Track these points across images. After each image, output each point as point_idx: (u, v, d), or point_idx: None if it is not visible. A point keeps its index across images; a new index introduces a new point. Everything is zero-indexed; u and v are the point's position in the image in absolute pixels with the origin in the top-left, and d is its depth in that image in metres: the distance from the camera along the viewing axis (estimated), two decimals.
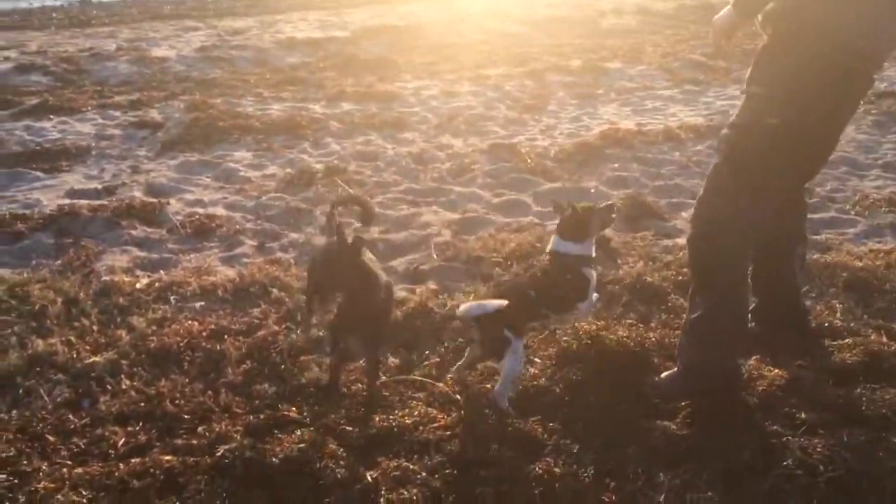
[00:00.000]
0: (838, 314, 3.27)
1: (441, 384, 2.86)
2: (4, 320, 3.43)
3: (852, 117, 2.77)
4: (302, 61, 11.61)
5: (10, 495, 2.30)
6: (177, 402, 2.79)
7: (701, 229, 2.76)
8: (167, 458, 2.42)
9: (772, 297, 3.11)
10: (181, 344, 3.19)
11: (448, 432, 2.55)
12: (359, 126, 7.30)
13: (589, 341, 3.04)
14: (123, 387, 2.90)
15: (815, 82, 2.51)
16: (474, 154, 6.24)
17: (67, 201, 5.18)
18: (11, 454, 2.49)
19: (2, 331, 3.34)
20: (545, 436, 2.51)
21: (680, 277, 3.65)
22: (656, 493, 2.21)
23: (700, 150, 6.32)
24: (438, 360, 3.06)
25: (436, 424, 2.59)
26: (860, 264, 3.78)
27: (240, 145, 6.74)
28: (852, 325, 3.17)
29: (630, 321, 3.28)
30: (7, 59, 11.05)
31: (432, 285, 3.80)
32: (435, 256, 4.04)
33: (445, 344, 3.17)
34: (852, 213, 4.79)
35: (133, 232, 4.61)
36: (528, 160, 5.91)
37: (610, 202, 3.16)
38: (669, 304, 3.43)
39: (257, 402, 2.80)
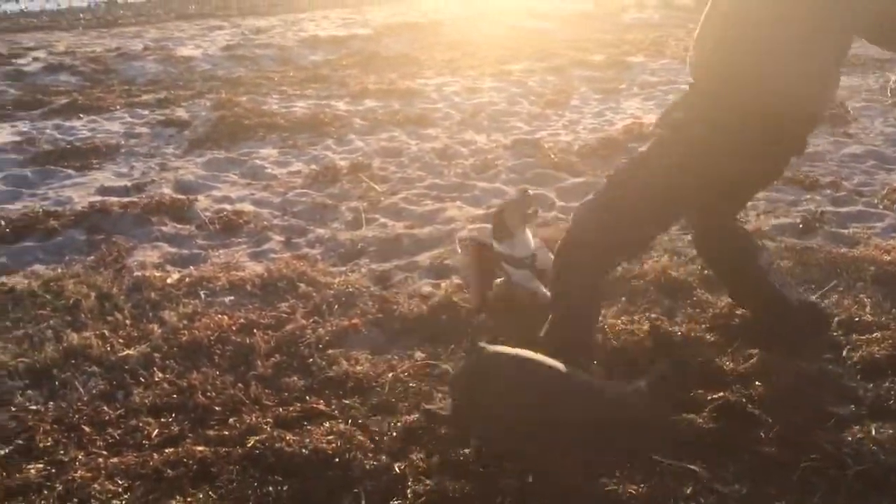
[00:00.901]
0: (868, 308, 3.24)
1: None
2: (40, 314, 3.51)
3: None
4: (325, 59, 11.67)
5: (49, 484, 2.37)
6: (208, 394, 2.84)
7: (572, 237, 2.81)
8: (199, 448, 2.47)
9: (762, 308, 3.10)
10: (211, 337, 3.25)
11: None
12: (382, 123, 7.33)
13: (614, 339, 3.05)
14: (156, 379, 2.96)
15: (744, 138, 2.51)
16: (497, 150, 6.25)
17: (98, 198, 5.27)
18: (49, 444, 2.56)
19: (38, 324, 3.43)
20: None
21: (706, 272, 3.65)
22: (684, 486, 2.22)
23: None
24: (464, 353, 3.08)
25: None
26: (888, 258, 3.74)
27: (265, 143, 6.80)
28: (882, 319, 3.14)
29: (654, 316, 3.28)
30: (36, 59, 11.24)
31: (457, 280, 3.83)
32: (459, 251, 4.06)
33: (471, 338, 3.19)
34: (880, 206, 4.72)
35: (163, 228, 4.69)
36: (552, 155, 5.90)
37: (522, 192, 3.37)
38: (695, 299, 3.42)
39: (286, 394, 2.84)
